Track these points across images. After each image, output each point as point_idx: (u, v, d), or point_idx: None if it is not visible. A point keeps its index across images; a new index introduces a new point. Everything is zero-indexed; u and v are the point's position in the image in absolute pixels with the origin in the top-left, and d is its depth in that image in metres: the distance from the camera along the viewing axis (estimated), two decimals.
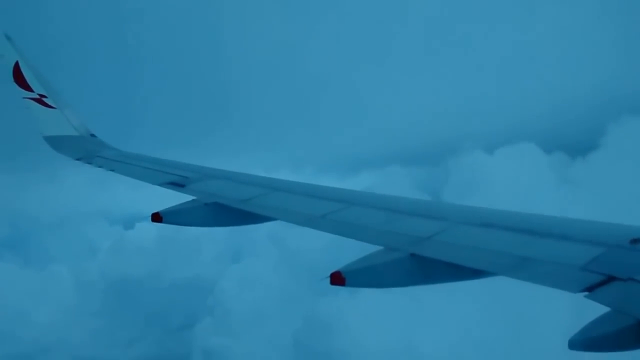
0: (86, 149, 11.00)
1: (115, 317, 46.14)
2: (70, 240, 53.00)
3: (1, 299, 45.07)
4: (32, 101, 11.52)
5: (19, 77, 11.50)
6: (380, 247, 5.27)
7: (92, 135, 11.74)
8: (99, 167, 10.13)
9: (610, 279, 4.14)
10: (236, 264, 45.03)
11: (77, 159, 10.68)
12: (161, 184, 8.40)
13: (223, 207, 7.11)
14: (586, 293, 4.09)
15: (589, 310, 3.99)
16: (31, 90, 11.50)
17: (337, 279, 4.87)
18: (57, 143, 11.35)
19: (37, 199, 54.02)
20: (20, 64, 11.53)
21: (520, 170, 39.87)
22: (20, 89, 11.51)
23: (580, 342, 3.92)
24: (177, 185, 8.14)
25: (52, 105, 11.61)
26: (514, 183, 36.81)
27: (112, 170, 9.78)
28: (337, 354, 31.50)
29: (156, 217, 7.11)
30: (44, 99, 11.55)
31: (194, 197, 7.47)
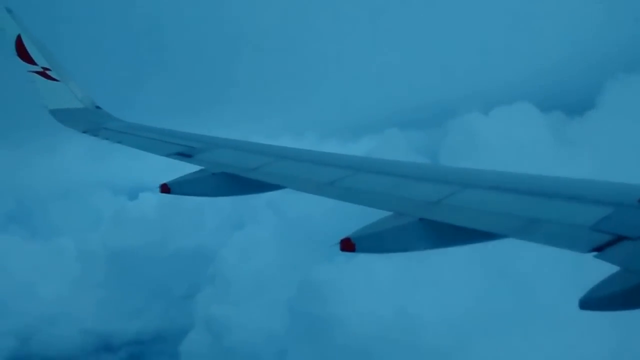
0: (92, 121, 10.98)
1: (120, 287, 46.66)
2: (75, 213, 53.49)
3: (7, 272, 45.53)
4: (36, 74, 11.45)
5: (21, 50, 11.41)
6: (389, 213, 5.29)
7: (97, 107, 11.70)
8: (106, 139, 10.12)
9: (619, 239, 4.15)
10: (239, 233, 45.32)
11: (84, 132, 10.66)
12: (168, 155, 8.39)
13: (231, 177, 7.12)
14: (595, 253, 4.10)
15: (599, 270, 4.01)
16: (34, 64, 11.42)
17: (347, 245, 4.89)
18: (63, 116, 11.32)
19: (42, 173, 54.37)
20: (22, 37, 11.43)
21: (518, 130, 39.73)
22: (24, 62, 11.43)
23: (591, 301, 3.96)
24: (184, 155, 8.13)
25: (56, 78, 11.54)
26: (512, 143, 36.71)
27: (119, 142, 9.77)
28: (336, 320, 31.76)
29: (165, 189, 7.14)
30: (47, 72, 11.47)
31: (201, 167, 7.48)
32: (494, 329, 27.99)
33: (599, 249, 4.11)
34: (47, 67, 11.48)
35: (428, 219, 5.05)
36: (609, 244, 4.12)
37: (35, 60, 11.41)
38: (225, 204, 40.82)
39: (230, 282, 40.47)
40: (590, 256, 4.11)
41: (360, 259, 29.70)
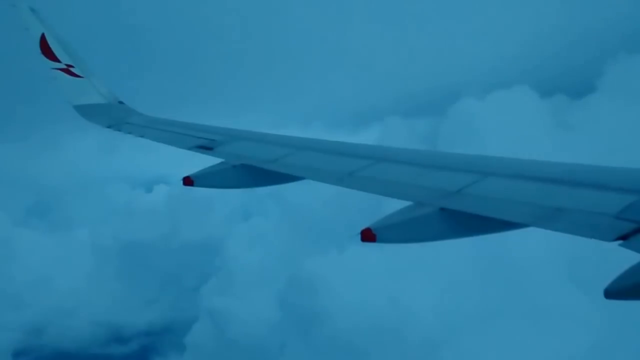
0: (115, 116, 11.10)
1: (132, 279, 47.31)
2: (93, 206, 54.45)
3: (23, 265, 46.36)
4: (59, 72, 11.60)
5: (45, 48, 11.56)
6: (409, 203, 5.23)
7: (120, 102, 11.83)
8: (129, 133, 10.23)
9: None
10: (251, 224, 45.56)
11: (107, 127, 10.79)
12: (190, 148, 8.46)
13: (251, 168, 7.14)
14: (621, 241, 4.00)
15: (624, 258, 3.91)
16: (58, 61, 11.57)
17: (367, 235, 4.84)
18: (87, 112, 11.47)
19: (64, 167, 55.46)
20: (46, 36, 11.58)
21: (516, 114, 39.31)
22: (48, 60, 11.58)
23: (617, 291, 3.86)
24: (206, 148, 8.19)
25: (80, 74, 11.69)
26: (509, 128, 36.33)
27: (142, 136, 9.87)
28: (336, 312, 31.72)
29: (187, 181, 7.19)
30: (71, 69, 11.62)
31: (222, 160, 7.51)
32: (517, 319, 27.72)
33: (624, 238, 4.01)
34: (71, 64, 11.63)
35: (449, 209, 4.98)
36: (635, 232, 4.01)
37: (59, 58, 11.56)
38: (241, 195, 41.27)
39: (236, 274, 40.83)
40: (615, 245, 4.01)
41: (368, 250, 29.66)
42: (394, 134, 41.94)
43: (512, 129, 36.04)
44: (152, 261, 47.99)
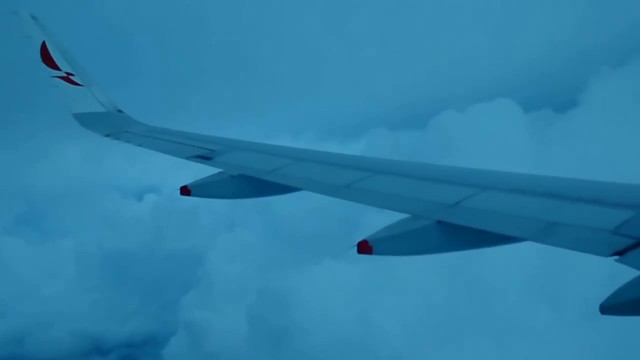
0: (114, 125, 11.10)
1: (115, 289, 47.15)
2: (83, 215, 54.42)
3: (8, 274, 46.12)
4: (59, 79, 11.63)
5: (46, 56, 11.60)
6: (406, 215, 5.23)
7: (120, 111, 11.84)
8: (127, 142, 10.22)
9: None
10: (233, 235, 45.45)
11: (106, 135, 10.79)
12: (188, 158, 8.45)
13: (249, 179, 7.14)
14: (617, 257, 4.00)
15: (620, 274, 3.91)
16: (58, 69, 11.61)
17: (363, 247, 4.84)
18: (86, 120, 11.48)
19: (60, 175, 55.52)
20: (47, 44, 11.62)
21: (498, 127, 39.60)
22: (48, 68, 11.62)
23: (612, 306, 3.86)
24: (204, 158, 8.18)
25: (80, 82, 11.72)
26: (490, 141, 36.61)
27: (140, 145, 9.87)
28: (311, 327, 31.56)
29: (185, 191, 7.18)
30: (71, 77, 11.65)
31: (220, 170, 7.50)
32: (506, 334, 27.54)
33: (620, 253, 4.01)
34: (71, 72, 11.65)
35: (446, 222, 4.98)
36: (631, 247, 4.02)
37: (59, 66, 11.59)
38: (229, 205, 41.29)
39: (215, 286, 40.71)
40: (611, 260, 4.01)
41: (352, 264, 29.69)
42: (380, 146, 42.45)
43: (495, 142, 36.40)
44: (136, 271, 48.07)
